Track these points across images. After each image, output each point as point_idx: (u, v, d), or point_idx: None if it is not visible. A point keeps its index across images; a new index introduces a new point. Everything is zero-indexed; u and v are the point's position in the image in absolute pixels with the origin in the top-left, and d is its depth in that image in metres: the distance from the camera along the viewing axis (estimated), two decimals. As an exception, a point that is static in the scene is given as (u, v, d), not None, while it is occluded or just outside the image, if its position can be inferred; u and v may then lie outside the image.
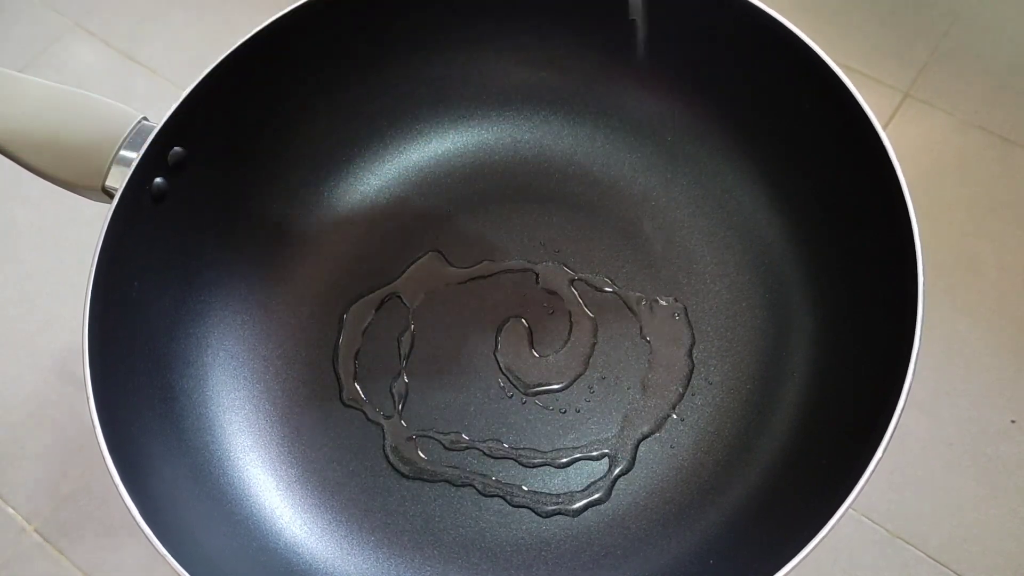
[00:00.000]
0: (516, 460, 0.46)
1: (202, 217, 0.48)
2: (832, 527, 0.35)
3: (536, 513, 0.45)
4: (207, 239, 0.48)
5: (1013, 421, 0.54)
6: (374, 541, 0.45)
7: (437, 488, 0.46)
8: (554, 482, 0.45)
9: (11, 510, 0.57)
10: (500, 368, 0.48)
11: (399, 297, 0.51)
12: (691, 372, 0.47)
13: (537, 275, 0.50)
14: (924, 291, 0.38)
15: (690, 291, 0.49)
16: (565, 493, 0.45)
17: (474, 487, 0.45)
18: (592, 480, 0.45)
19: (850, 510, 0.35)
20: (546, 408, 0.47)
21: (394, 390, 0.48)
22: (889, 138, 0.40)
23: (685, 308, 0.49)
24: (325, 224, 0.53)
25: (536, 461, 0.46)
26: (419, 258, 0.51)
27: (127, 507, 0.37)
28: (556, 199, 0.53)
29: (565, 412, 0.47)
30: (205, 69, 0.45)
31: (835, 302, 0.45)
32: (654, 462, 0.45)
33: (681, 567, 0.42)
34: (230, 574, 0.40)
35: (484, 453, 0.46)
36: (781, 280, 0.48)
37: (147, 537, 0.36)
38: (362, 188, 0.54)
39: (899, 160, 0.40)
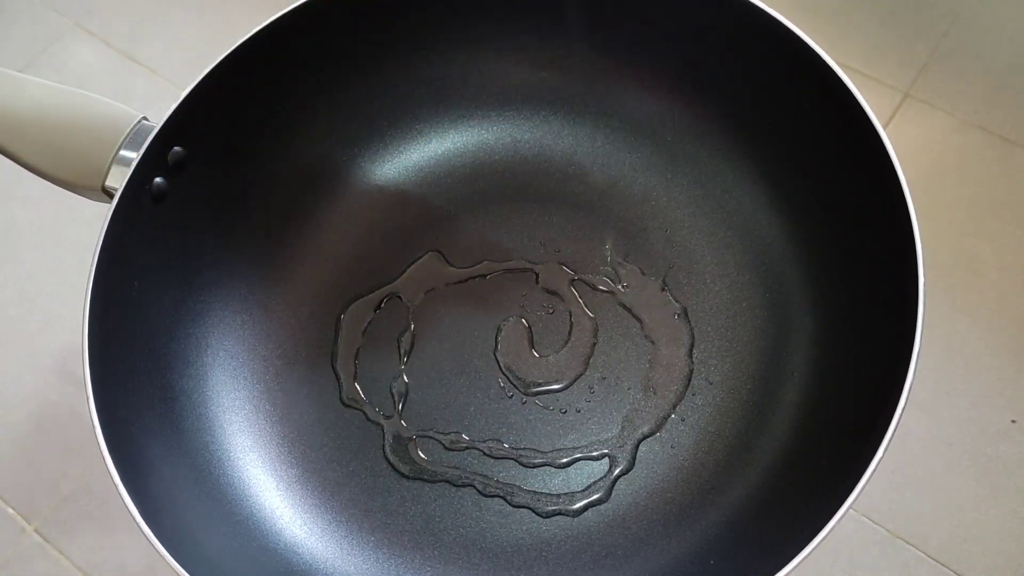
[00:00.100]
0: (516, 460, 0.46)
1: (202, 217, 0.48)
2: (832, 527, 0.35)
3: (536, 513, 0.45)
4: (207, 239, 0.48)
5: (1013, 421, 0.54)
6: (374, 541, 0.45)
7: (437, 488, 0.46)
8: (554, 482, 0.45)
9: (11, 510, 0.57)
10: (500, 368, 0.48)
11: (399, 297, 0.51)
12: (691, 372, 0.47)
13: (537, 275, 0.50)
14: (924, 291, 0.38)
15: (690, 291, 0.49)
16: (565, 493, 0.45)
17: (474, 487, 0.45)
18: (592, 480, 0.45)
19: (850, 510, 0.35)
20: (546, 408, 0.47)
21: (394, 390, 0.48)
22: (889, 138, 0.40)
23: (685, 308, 0.49)
24: (325, 224, 0.53)
25: (536, 461, 0.46)
26: (419, 258, 0.51)
27: (127, 507, 0.37)
28: (556, 199, 0.53)
29: (565, 412, 0.47)
30: (205, 69, 0.45)
31: (835, 302, 0.45)
32: (654, 462, 0.45)
33: (681, 567, 0.42)
34: (230, 574, 0.40)
35: (484, 453, 0.46)
36: (781, 280, 0.48)
37: (147, 537, 0.36)
38: (362, 188, 0.54)
39: (899, 160, 0.40)
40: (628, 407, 0.47)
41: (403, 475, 0.46)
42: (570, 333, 0.49)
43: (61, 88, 0.46)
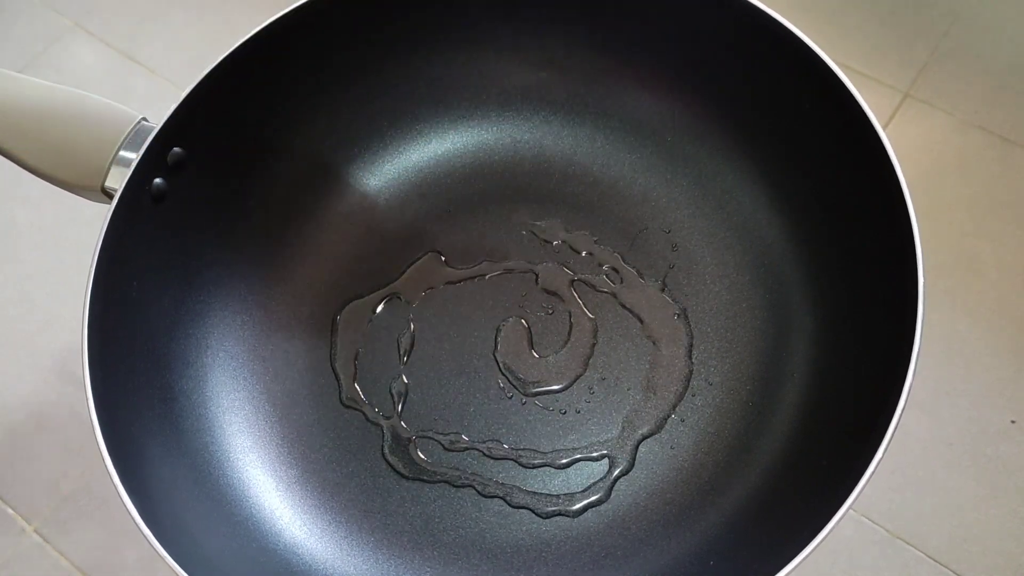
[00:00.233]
0: (516, 461, 0.46)
1: (202, 217, 0.48)
2: (832, 527, 0.34)
3: (536, 514, 0.45)
4: (207, 239, 0.48)
5: (1013, 421, 0.54)
6: (374, 542, 0.45)
7: (437, 489, 0.46)
8: (554, 483, 0.45)
9: (11, 510, 0.57)
10: (500, 368, 0.48)
11: (399, 297, 0.51)
12: (691, 373, 0.47)
13: (537, 275, 0.50)
14: (924, 291, 0.38)
15: (690, 291, 0.49)
16: (565, 494, 0.45)
17: (474, 488, 0.45)
18: (592, 481, 0.45)
19: (850, 510, 0.35)
20: (546, 409, 0.47)
21: (393, 391, 0.48)
22: (889, 138, 0.40)
23: (685, 309, 0.49)
24: (325, 224, 0.53)
25: (536, 462, 0.46)
26: (419, 258, 0.51)
27: (126, 507, 0.37)
28: (556, 199, 0.53)
29: (565, 413, 0.47)
30: (205, 69, 0.45)
31: (835, 302, 0.45)
32: (654, 463, 0.45)
33: (681, 568, 0.42)
34: (229, 574, 0.40)
35: (484, 454, 0.46)
36: (781, 280, 0.48)
37: (146, 538, 0.36)
38: (362, 188, 0.54)
39: (899, 160, 0.40)
40: (628, 408, 0.47)
41: (403, 476, 0.46)
42: (570, 333, 0.49)
43: (61, 88, 0.46)
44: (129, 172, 0.43)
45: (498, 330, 0.49)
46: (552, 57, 0.52)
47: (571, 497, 0.45)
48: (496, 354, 0.48)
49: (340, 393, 0.48)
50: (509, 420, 0.47)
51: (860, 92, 0.42)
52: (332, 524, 0.45)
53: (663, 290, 0.49)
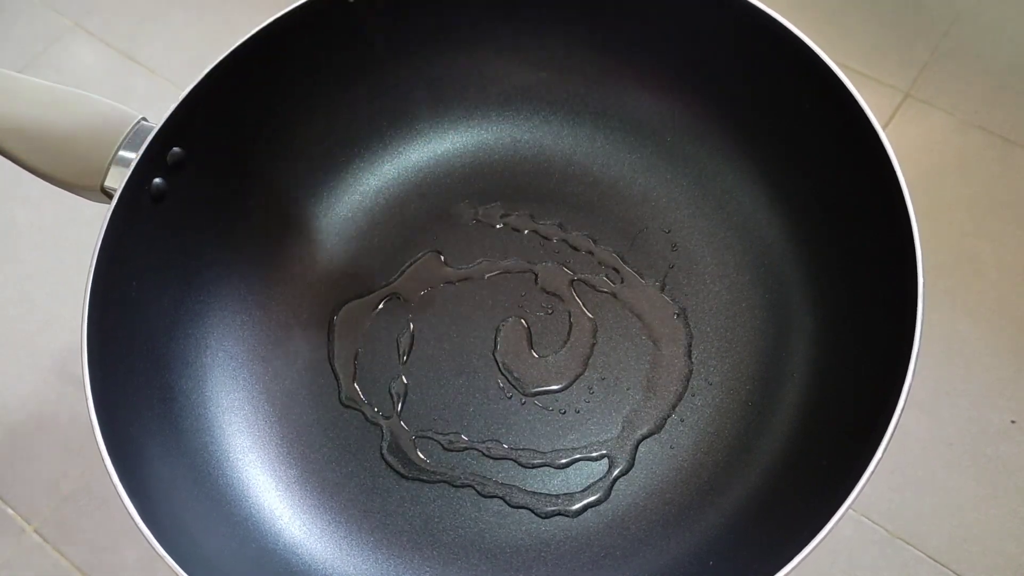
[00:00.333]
0: (515, 461, 0.46)
1: (201, 217, 0.48)
2: (832, 527, 0.34)
3: (535, 514, 0.45)
4: (206, 239, 0.48)
5: (1013, 421, 0.54)
6: (373, 542, 0.45)
7: (436, 489, 0.46)
8: (553, 483, 0.45)
9: (11, 510, 0.57)
10: (499, 368, 0.48)
11: (398, 297, 0.51)
12: (691, 373, 0.47)
13: (536, 275, 0.50)
14: (924, 291, 0.38)
15: (690, 291, 0.49)
16: (564, 494, 0.45)
17: (473, 488, 0.45)
18: (592, 481, 0.45)
19: (850, 510, 0.35)
20: (545, 409, 0.47)
21: (393, 391, 0.48)
22: (889, 138, 0.40)
23: (684, 308, 0.49)
24: (325, 224, 0.53)
25: (535, 462, 0.46)
26: (418, 258, 0.51)
27: (126, 507, 0.37)
28: (556, 199, 0.53)
29: (565, 413, 0.47)
30: (204, 69, 0.45)
31: (835, 302, 0.45)
32: (654, 463, 0.45)
33: (681, 568, 0.42)
34: (229, 574, 0.40)
35: (483, 454, 0.46)
36: (781, 280, 0.48)
37: (146, 538, 0.36)
38: (362, 188, 0.54)
39: (899, 160, 0.40)
40: (627, 407, 0.47)
41: (402, 476, 0.46)
42: (569, 333, 0.49)
43: (61, 88, 0.46)
44: (129, 172, 0.43)
45: (498, 330, 0.49)
46: (552, 57, 0.52)
47: (570, 497, 0.45)
48: (496, 354, 0.48)
49: (339, 393, 0.48)
50: (508, 420, 0.47)
51: (860, 92, 0.42)
52: (332, 524, 0.45)
53: (663, 290, 0.49)
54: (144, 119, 0.45)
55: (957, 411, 0.54)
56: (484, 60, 0.53)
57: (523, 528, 0.44)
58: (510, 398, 0.47)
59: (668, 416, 0.46)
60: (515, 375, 0.48)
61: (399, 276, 0.51)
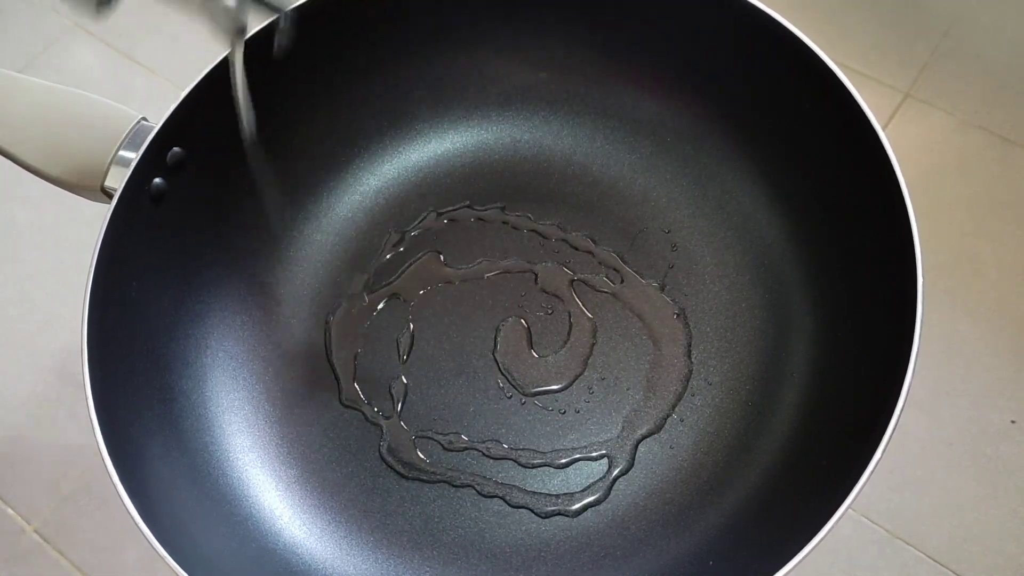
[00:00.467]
0: (515, 461, 0.46)
1: (201, 217, 0.48)
2: (832, 527, 0.35)
3: (535, 514, 0.45)
4: (206, 239, 0.48)
5: (1013, 421, 0.54)
6: (373, 542, 0.45)
7: (436, 489, 0.46)
8: (553, 483, 0.45)
9: (11, 510, 0.57)
10: (499, 368, 0.48)
11: (398, 297, 0.51)
12: (690, 373, 0.47)
13: (536, 275, 0.50)
14: (924, 291, 0.38)
15: (690, 291, 0.49)
16: (564, 494, 0.45)
17: (473, 488, 0.45)
18: (591, 481, 0.45)
19: (850, 510, 0.35)
20: (545, 409, 0.47)
21: (393, 391, 0.48)
22: (889, 138, 0.40)
23: (684, 308, 0.49)
24: (325, 224, 0.53)
25: (535, 462, 0.46)
26: (418, 258, 0.51)
27: (126, 508, 0.37)
28: (556, 199, 0.53)
29: (564, 413, 0.47)
30: (204, 69, 0.45)
31: (835, 302, 0.45)
32: (653, 463, 0.45)
33: (680, 568, 0.42)
34: (229, 574, 0.40)
35: (483, 454, 0.46)
36: (781, 280, 0.48)
37: (146, 538, 0.36)
38: (362, 188, 0.54)
39: (899, 160, 0.40)
40: (627, 407, 0.47)
41: (402, 476, 0.46)
42: (569, 333, 0.49)
43: (61, 88, 0.46)
44: (128, 172, 0.43)
45: (497, 330, 0.49)
46: (552, 57, 0.52)
47: (570, 497, 0.45)
48: (495, 354, 0.48)
49: (340, 393, 0.48)
50: (508, 420, 0.47)
51: (860, 92, 0.42)
52: (332, 524, 0.45)
53: (663, 290, 0.49)
54: (144, 119, 0.45)
55: (957, 411, 0.54)
56: (484, 60, 0.53)
57: (523, 528, 0.44)
58: (510, 398, 0.47)
59: (668, 416, 0.46)
60: (515, 375, 0.48)
61: (399, 276, 0.51)
